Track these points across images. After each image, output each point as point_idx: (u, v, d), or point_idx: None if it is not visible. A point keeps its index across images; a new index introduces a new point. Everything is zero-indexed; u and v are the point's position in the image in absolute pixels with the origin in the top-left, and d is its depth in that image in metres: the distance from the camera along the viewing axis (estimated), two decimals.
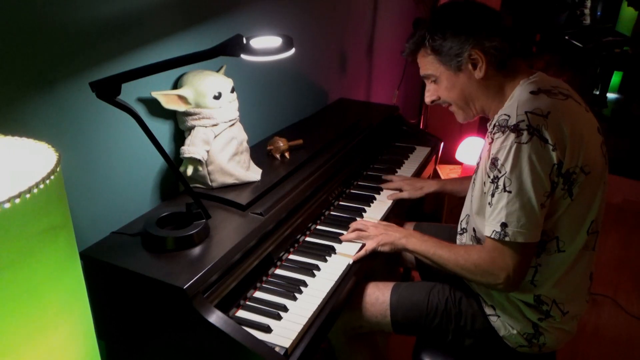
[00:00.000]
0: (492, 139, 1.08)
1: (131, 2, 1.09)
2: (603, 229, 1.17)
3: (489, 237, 1.07)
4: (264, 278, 1.17)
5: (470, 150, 2.58)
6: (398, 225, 1.36)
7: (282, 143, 1.49)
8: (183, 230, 1.08)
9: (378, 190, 1.62)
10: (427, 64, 1.24)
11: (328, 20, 1.96)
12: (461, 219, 1.32)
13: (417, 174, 1.80)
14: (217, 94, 1.22)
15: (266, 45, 1.02)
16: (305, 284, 1.15)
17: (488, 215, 1.07)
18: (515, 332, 1.18)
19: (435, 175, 2.69)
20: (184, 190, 1.30)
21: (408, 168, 1.81)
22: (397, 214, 1.55)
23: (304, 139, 1.58)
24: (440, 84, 1.24)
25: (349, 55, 2.22)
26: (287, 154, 1.51)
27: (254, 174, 1.36)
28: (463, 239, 1.30)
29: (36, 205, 0.53)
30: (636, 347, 2.08)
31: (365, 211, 1.50)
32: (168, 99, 1.18)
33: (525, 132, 1.01)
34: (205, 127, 1.23)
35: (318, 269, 1.21)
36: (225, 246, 1.08)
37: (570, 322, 1.18)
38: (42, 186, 0.53)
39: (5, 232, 0.50)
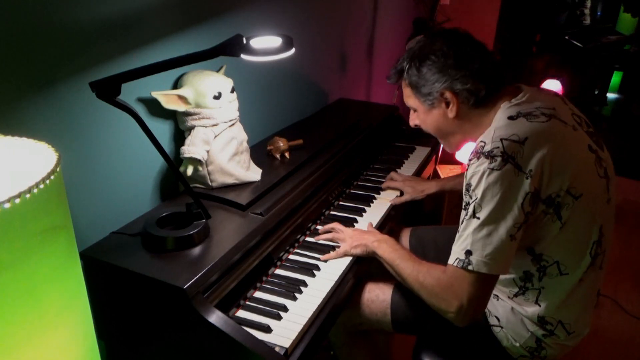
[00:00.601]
0: (469, 164, 1.04)
1: (131, 2, 1.09)
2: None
3: (452, 265, 1.02)
4: (264, 278, 1.17)
5: (470, 150, 2.58)
6: (378, 231, 1.34)
7: (282, 143, 1.49)
8: (183, 230, 1.08)
9: (378, 190, 1.62)
10: (407, 95, 1.25)
11: (328, 20, 1.96)
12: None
13: (417, 174, 1.80)
14: (217, 94, 1.22)
15: (266, 45, 1.02)
16: (305, 284, 1.15)
17: (455, 241, 1.04)
18: (518, 344, 1.16)
19: (435, 176, 2.69)
20: (184, 190, 1.30)
21: (408, 168, 1.81)
22: (396, 214, 1.55)
23: (304, 139, 1.58)
24: (418, 114, 1.25)
25: (349, 55, 2.22)
26: (287, 154, 1.51)
27: (254, 174, 1.36)
28: None
29: (36, 205, 0.53)
30: (636, 347, 2.08)
31: (365, 211, 1.50)
32: (168, 99, 1.18)
33: (499, 159, 0.98)
34: (205, 127, 1.23)
35: (318, 269, 1.21)
36: (225, 246, 1.08)
37: (575, 339, 1.16)
38: (42, 186, 0.53)
39: (5, 232, 0.50)
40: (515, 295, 1.14)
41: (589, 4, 4.15)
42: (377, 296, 1.31)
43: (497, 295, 1.19)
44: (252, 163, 1.39)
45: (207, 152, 1.23)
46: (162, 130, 1.27)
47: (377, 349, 1.48)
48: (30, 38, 0.91)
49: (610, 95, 4.76)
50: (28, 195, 0.52)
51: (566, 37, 3.92)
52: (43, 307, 0.58)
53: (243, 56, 1.01)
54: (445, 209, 2.58)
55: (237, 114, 1.31)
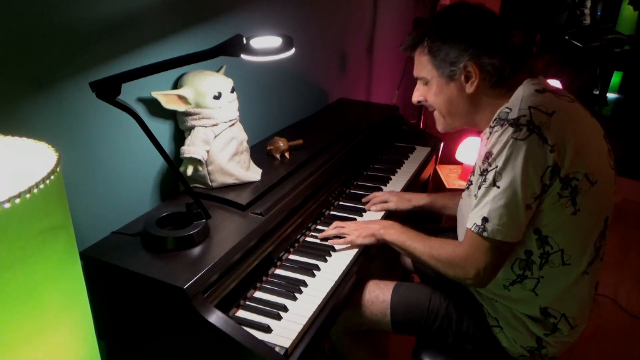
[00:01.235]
0: (490, 132, 1.04)
1: (131, 2, 1.09)
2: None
3: (469, 229, 1.04)
4: (264, 278, 1.17)
5: (470, 150, 2.58)
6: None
7: (282, 143, 1.49)
8: (183, 230, 1.08)
9: (378, 191, 1.61)
10: (421, 65, 1.20)
11: (328, 20, 1.96)
12: (458, 220, 1.31)
13: (417, 174, 1.80)
14: (217, 94, 1.22)
15: (266, 45, 1.02)
16: (305, 284, 1.15)
17: (472, 207, 1.05)
18: (518, 345, 1.16)
19: (436, 176, 2.69)
20: (184, 190, 1.30)
21: (408, 168, 1.81)
22: (397, 215, 1.55)
23: (304, 139, 1.58)
24: (429, 87, 1.20)
25: (349, 55, 2.22)
26: (287, 154, 1.51)
27: (254, 174, 1.36)
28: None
29: (36, 205, 0.53)
30: (636, 347, 2.08)
31: (365, 211, 1.50)
32: (168, 99, 1.18)
33: (524, 128, 0.97)
34: (205, 127, 1.23)
35: (318, 269, 1.21)
36: (225, 246, 1.08)
37: (576, 334, 1.16)
38: (42, 186, 0.53)
39: (5, 232, 0.50)
40: (512, 283, 1.13)
41: (589, 4, 4.15)
42: (377, 297, 1.31)
43: (496, 299, 1.18)
44: (252, 163, 1.39)
45: (207, 152, 1.23)
46: (162, 130, 1.27)
47: (379, 349, 1.48)
48: (30, 38, 0.91)
49: (610, 95, 4.76)
50: (28, 195, 0.52)
51: (566, 37, 3.91)
52: (43, 307, 0.58)
53: (243, 56, 1.01)
54: None
55: (237, 114, 1.31)
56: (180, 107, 1.21)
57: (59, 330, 0.61)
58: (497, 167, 0.99)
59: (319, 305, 1.09)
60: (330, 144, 1.64)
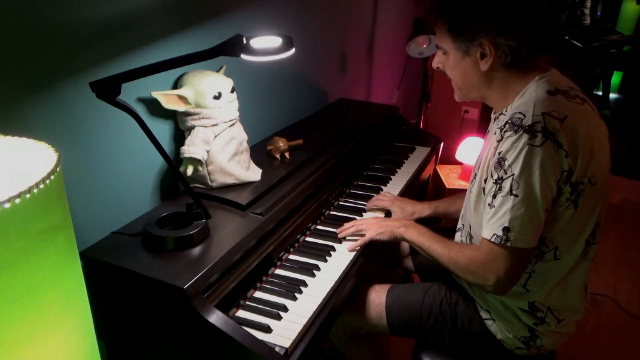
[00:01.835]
0: (502, 136, 1.03)
1: (131, 2, 1.09)
2: (603, 228, 1.15)
3: (488, 240, 1.04)
4: (264, 278, 1.17)
5: (470, 150, 2.58)
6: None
7: (282, 143, 1.49)
8: (183, 230, 1.08)
9: (378, 191, 1.62)
10: (441, 35, 1.15)
11: (328, 20, 1.96)
12: (461, 214, 1.32)
13: (417, 174, 1.80)
14: (217, 94, 1.22)
15: (266, 45, 1.02)
16: (305, 284, 1.15)
17: (488, 216, 1.04)
18: (511, 335, 1.17)
19: (436, 176, 2.69)
20: (184, 190, 1.30)
21: (408, 168, 1.81)
22: None
23: (304, 139, 1.58)
24: (448, 57, 1.17)
25: (349, 55, 2.22)
26: (287, 154, 1.51)
27: (254, 174, 1.36)
28: (459, 234, 1.30)
29: (36, 205, 0.53)
30: (636, 347, 2.08)
31: (365, 211, 1.49)
32: (168, 99, 1.18)
33: (539, 135, 0.96)
34: (205, 127, 1.23)
35: (318, 269, 1.21)
36: (225, 246, 1.08)
37: (567, 326, 1.17)
38: (42, 186, 0.53)
39: (5, 232, 0.50)
40: None
41: (589, 4, 4.15)
42: (373, 300, 1.32)
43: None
44: (252, 163, 1.39)
45: (207, 152, 1.23)
46: (162, 130, 1.27)
47: (379, 351, 1.48)
48: (30, 38, 0.91)
49: (610, 95, 4.76)
50: (28, 195, 0.52)
51: (566, 37, 3.91)
52: (43, 307, 0.58)
53: (243, 56, 1.01)
54: None
55: (237, 114, 1.31)
56: (180, 107, 1.21)
57: (59, 330, 0.61)
58: (513, 174, 0.99)
59: (319, 306, 1.09)
60: (330, 144, 1.64)
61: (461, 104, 2.87)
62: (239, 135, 1.31)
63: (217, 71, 1.32)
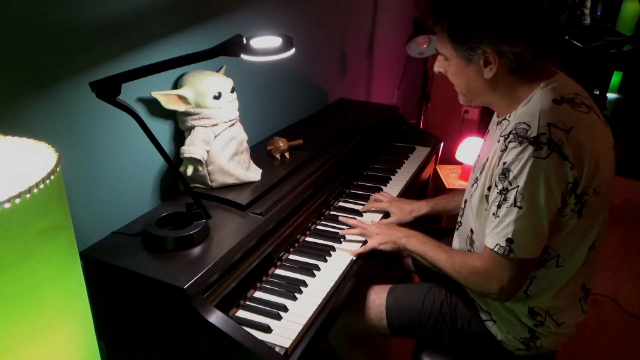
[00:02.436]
0: (506, 146, 1.01)
1: (131, 2, 1.09)
2: (604, 231, 1.15)
3: (491, 249, 1.03)
4: (264, 278, 1.17)
5: (470, 150, 2.58)
6: (399, 226, 1.36)
7: (282, 143, 1.49)
8: (183, 230, 1.08)
9: (378, 191, 1.61)
10: (442, 42, 1.11)
11: (328, 20, 1.96)
12: (460, 213, 1.32)
13: (417, 174, 1.80)
14: (217, 94, 1.22)
15: (266, 45, 1.02)
16: (305, 284, 1.15)
17: (492, 226, 1.03)
18: (511, 336, 1.17)
19: (436, 176, 2.69)
20: (184, 190, 1.30)
21: (408, 168, 1.81)
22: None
23: (304, 139, 1.58)
24: (449, 64, 1.14)
25: (349, 55, 2.22)
26: (287, 154, 1.51)
27: (254, 174, 1.36)
28: (459, 234, 1.30)
29: (36, 205, 0.53)
30: (636, 347, 2.08)
31: (362, 213, 1.49)
32: (168, 99, 1.18)
33: (545, 147, 0.95)
34: (205, 127, 1.23)
35: (318, 269, 1.21)
36: (225, 246, 1.08)
37: (567, 328, 1.17)
38: (42, 186, 0.53)
39: (5, 232, 0.50)
40: None
41: (589, 4, 4.15)
42: (374, 301, 1.32)
43: None
44: (252, 163, 1.39)
45: (207, 152, 1.23)
46: (162, 130, 1.27)
47: (379, 352, 1.48)
48: (30, 38, 0.91)
49: (610, 95, 4.76)
50: (28, 195, 0.52)
51: (566, 37, 3.91)
52: (43, 307, 0.58)
53: (243, 56, 1.01)
54: None
55: (237, 114, 1.31)
56: (180, 107, 1.21)
57: (59, 330, 0.61)
58: (518, 186, 0.98)
59: (319, 306, 1.09)
60: (330, 144, 1.64)
61: (461, 104, 2.87)
62: (239, 135, 1.31)
63: (217, 71, 1.32)
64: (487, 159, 1.12)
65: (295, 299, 1.10)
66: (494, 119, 1.20)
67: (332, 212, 1.48)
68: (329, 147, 1.62)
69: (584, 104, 1.04)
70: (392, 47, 2.66)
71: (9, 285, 0.52)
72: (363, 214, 1.49)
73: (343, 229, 1.37)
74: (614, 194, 1.11)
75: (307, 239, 1.35)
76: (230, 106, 1.26)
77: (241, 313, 1.06)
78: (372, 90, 2.60)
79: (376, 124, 1.90)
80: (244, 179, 1.33)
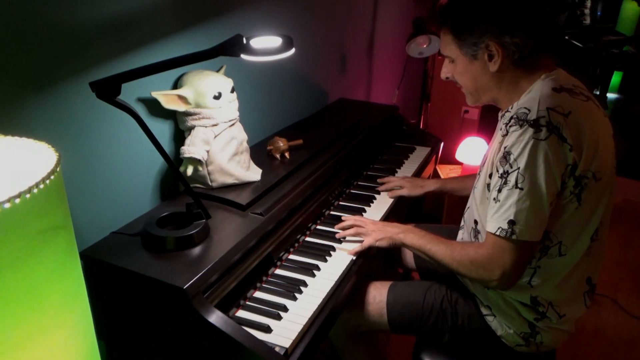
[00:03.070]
0: (507, 131, 1.04)
1: (131, 2, 1.09)
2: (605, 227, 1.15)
3: (493, 234, 1.05)
4: (264, 278, 1.17)
5: (470, 150, 2.58)
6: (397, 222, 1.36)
7: (282, 143, 1.49)
8: (183, 230, 1.08)
9: (378, 190, 1.62)
10: (446, 43, 1.17)
11: (328, 20, 1.96)
12: (464, 213, 1.32)
13: (417, 174, 1.80)
14: (217, 94, 1.22)
15: (266, 45, 1.02)
16: (305, 284, 1.15)
17: (493, 210, 1.05)
18: (512, 331, 1.18)
19: (435, 176, 2.69)
20: (184, 190, 1.30)
21: (408, 168, 1.81)
22: (396, 214, 1.55)
23: (304, 139, 1.58)
24: (455, 65, 1.19)
25: (349, 55, 2.22)
26: (287, 154, 1.51)
27: (254, 174, 1.36)
28: (463, 232, 1.30)
29: (36, 205, 0.53)
30: (636, 347, 2.08)
31: (365, 211, 1.49)
32: (168, 99, 1.18)
33: (544, 129, 0.98)
34: (205, 127, 1.23)
35: (318, 269, 1.21)
36: (225, 246, 1.08)
37: (567, 323, 1.18)
38: (42, 186, 0.53)
39: (5, 232, 0.50)
40: None
41: (589, 4, 4.15)
42: (374, 297, 1.32)
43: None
44: (252, 163, 1.39)
45: (207, 152, 1.23)
46: (162, 130, 1.27)
47: (379, 350, 1.48)
48: (31, 38, 0.91)
49: (610, 95, 4.76)
50: (28, 195, 0.52)
51: (566, 37, 3.91)
52: (43, 307, 0.58)
53: (243, 56, 1.01)
54: (445, 209, 2.58)
55: (237, 114, 1.31)
56: (180, 107, 1.21)
57: (59, 330, 0.61)
58: (519, 168, 1.00)
59: (319, 305, 1.09)
60: (330, 144, 1.64)
61: (461, 104, 2.87)
62: (239, 135, 1.31)
63: (217, 71, 1.32)
64: (491, 151, 1.15)
65: (295, 299, 1.10)
66: (500, 115, 1.21)
67: (332, 212, 1.48)
68: (329, 147, 1.62)
69: (583, 94, 1.07)
70: (392, 47, 2.66)
71: (9, 286, 0.52)
72: (381, 192, 1.57)
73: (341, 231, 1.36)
74: (614, 194, 1.12)
75: (307, 239, 1.35)
76: (230, 106, 1.26)
77: (241, 313, 1.06)
78: (372, 90, 2.60)
79: (376, 124, 1.90)
80: (244, 179, 1.33)
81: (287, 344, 0.97)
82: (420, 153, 1.95)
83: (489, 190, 1.10)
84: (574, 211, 1.05)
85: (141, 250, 1.07)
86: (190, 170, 1.24)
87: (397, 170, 1.79)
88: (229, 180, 1.30)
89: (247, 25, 1.46)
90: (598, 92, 4.61)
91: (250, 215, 1.21)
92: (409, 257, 1.59)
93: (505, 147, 1.03)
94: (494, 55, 1.09)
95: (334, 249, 1.29)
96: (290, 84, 1.79)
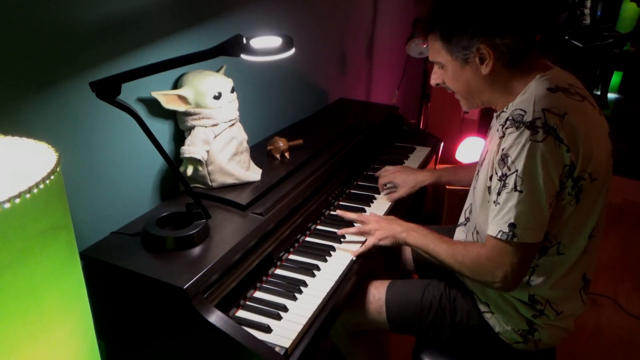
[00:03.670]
0: (504, 133, 1.04)
1: (131, 2, 1.09)
2: (603, 227, 1.15)
3: (494, 237, 1.04)
4: (264, 278, 1.17)
5: (470, 150, 2.58)
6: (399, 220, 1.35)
7: (282, 143, 1.49)
8: (183, 230, 1.08)
9: (378, 190, 1.62)
10: (435, 50, 1.16)
11: (328, 20, 1.96)
12: (465, 208, 1.32)
13: None
14: (217, 94, 1.22)
15: (266, 45, 1.02)
16: (305, 284, 1.15)
17: (494, 214, 1.04)
18: (509, 328, 1.18)
19: None
20: (184, 190, 1.30)
21: None
22: (397, 214, 1.55)
23: (304, 139, 1.58)
24: (446, 71, 1.18)
25: (349, 55, 2.22)
26: (287, 154, 1.51)
27: (254, 174, 1.36)
28: (465, 229, 1.30)
29: (36, 205, 0.53)
30: (636, 347, 2.08)
31: (365, 211, 1.49)
32: (168, 99, 1.18)
33: (541, 131, 0.98)
34: (205, 127, 1.23)
35: (318, 269, 1.21)
36: (225, 246, 1.08)
37: (565, 320, 1.18)
38: (42, 186, 0.53)
39: (5, 232, 0.50)
40: None
41: (589, 4, 4.15)
42: (373, 296, 1.32)
43: None
44: (252, 163, 1.39)
45: (207, 152, 1.23)
46: (162, 130, 1.27)
47: (379, 349, 1.48)
48: (30, 38, 0.91)
49: (610, 95, 4.76)
50: (28, 195, 0.52)
51: (566, 37, 3.91)
52: (43, 307, 0.58)
53: (243, 56, 1.01)
54: (445, 209, 2.58)
55: (237, 114, 1.31)
56: (180, 107, 1.21)
57: (59, 330, 0.61)
58: (517, 170, 0.99)
59: (319, 305, 1.09)
60: (330, 144, 1.64)
61: (464, 110, 2.87)
62: (239, 135, 1.31)
63: (217, 71, 1.32)
64: (488, 151, 1.15)
65: (295, 299, 1.10)
66: (494, 116, 1.21)
67: (332, 212, 1.48)
68: (329, 147, 1.62)
69: (578, 93, 1.07)
70: (392, 47, 2.66)
71: (9, 286, 0.52)
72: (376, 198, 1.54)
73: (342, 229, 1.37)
74: (614, 194, 1.12)
75: (307, 238, 1.34)
76: (230, 106, 1.26)
77: (241, 313, 1.06)
78: (372, 90, 2.60)
79: (376, 124, 1.90)
80: (244, 179, 1.33)
81: (287, 344, 0.97)
82: (420, 153, 1.95)
83: (489, 193, 1.10)
84: (572, 212, 1.05)
85: (141, 250, 1.07)
86: (190, 170, 1.24)
87: None
88: (229, 180, 1.30)
89: (247, 25, 1.46)
90: (599, 92, 4.62)
91: (250, 215, 1.21)
92: (408, 257, 1.59)
93: (503, 149, 1.03)
94: (485, 57, 1.08)
95: (334, 248, 1.29)
96: (290, 84, 1.79)
